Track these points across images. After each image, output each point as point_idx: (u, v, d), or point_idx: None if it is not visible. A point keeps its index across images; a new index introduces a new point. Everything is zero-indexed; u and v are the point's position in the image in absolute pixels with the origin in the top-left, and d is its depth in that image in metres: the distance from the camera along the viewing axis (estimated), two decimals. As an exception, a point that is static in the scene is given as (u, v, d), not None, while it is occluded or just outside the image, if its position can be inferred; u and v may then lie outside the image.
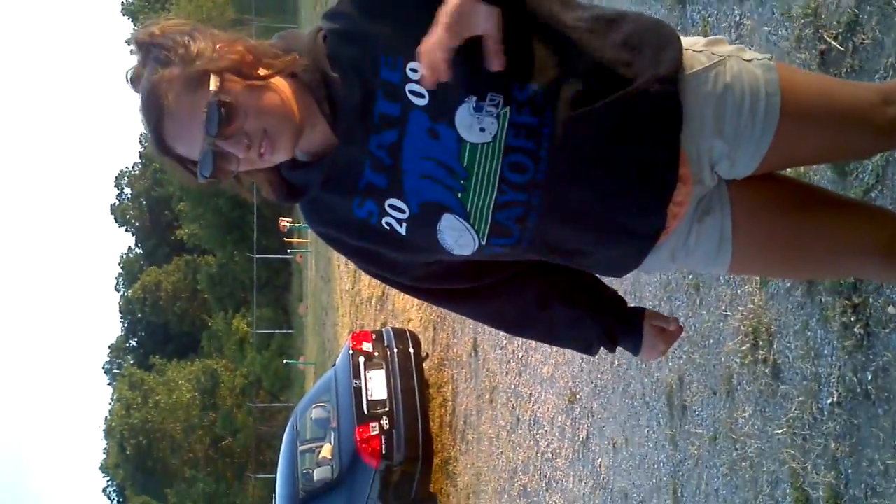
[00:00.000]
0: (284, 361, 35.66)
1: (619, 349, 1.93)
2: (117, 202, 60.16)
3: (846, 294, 2.76)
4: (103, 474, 54.14)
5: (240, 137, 1.54)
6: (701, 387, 3.70)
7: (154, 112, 1.55)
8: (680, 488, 3.83)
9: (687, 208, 1.71)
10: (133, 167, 59.71)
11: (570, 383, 5.34)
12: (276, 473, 10.15)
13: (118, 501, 53.84)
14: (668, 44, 1.66)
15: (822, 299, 2.88)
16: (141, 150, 57.82)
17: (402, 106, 1.58)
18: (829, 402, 2.82)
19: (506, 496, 6.43)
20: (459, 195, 1.61)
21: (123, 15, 60.77)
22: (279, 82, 1.59)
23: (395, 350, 8.91)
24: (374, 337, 9.19)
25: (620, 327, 1.89)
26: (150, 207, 56.95)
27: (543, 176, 1.59)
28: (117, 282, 60.86)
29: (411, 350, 8.99)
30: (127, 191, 59.71)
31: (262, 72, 1.59)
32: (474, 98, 1.55)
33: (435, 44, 1.47)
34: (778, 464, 3.08)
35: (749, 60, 1.69)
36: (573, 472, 5.21)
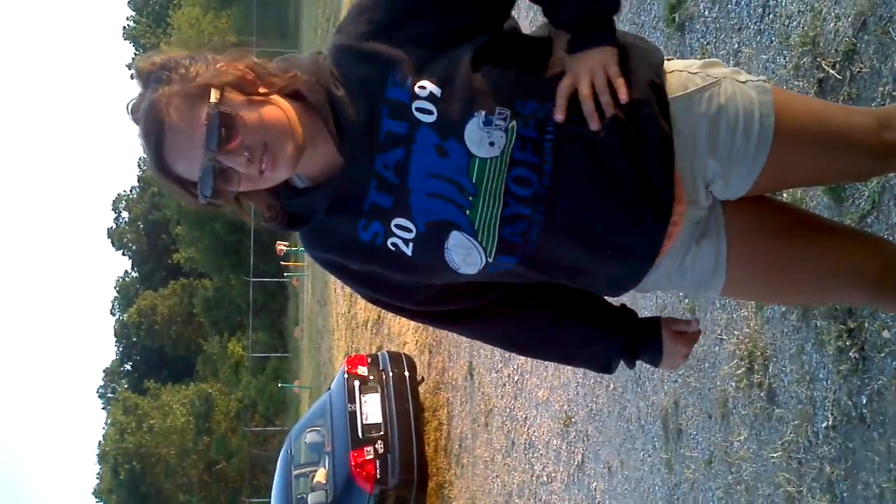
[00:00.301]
0: (279, 385, 35.47)
1: (619, 367, 1.90)
2: (114, 226, 60.12)
3: (841, 318, 2.77)
4: (97, 499, 53.64)
5: (240, 152, 1.52)
6: (696, 410, 3.70)
7: (154, 129, 1.53)
8: (675, 512, 3.83)
9: (682, 228, 1.72)
10: (131, 191, 59.72)
11: (565, 407, 5.34)
12: (270, 498, 10.09)
13: (111, 527, 53.30)
14: (654, 64, 1.69)
15: (818, 323, 2.90)
16: (139, 173, 57.92)
17: (408, 124, 1.58)
18: (824, 425, 2.83)
19: (501, 521, 6.41)
20: (468, 212, 1.62)
21: (125, 39, 61.05)
22: (280, 101, 1.59)
23: (391, 374, 8.89)
24: (369, 361, 9.18)
25: (638, 338, 1.86)
26: (147, 231, 56.90)
27: (546, 190, 1.60)
28: (113, 305, 60.64)
29: (407, 374, 8.97)
30: (124, 214, 59.69)
31: (262, 89, 1.59)
32: (483, 112, 1.56)
33: (588, 90, 1.59)
34: (773, 487, 3.08)
35: (744, 82, 1.71)
36: (568, 495, 5.20)
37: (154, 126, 1.53)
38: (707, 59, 1.78)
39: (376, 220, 1.66)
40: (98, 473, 51.45)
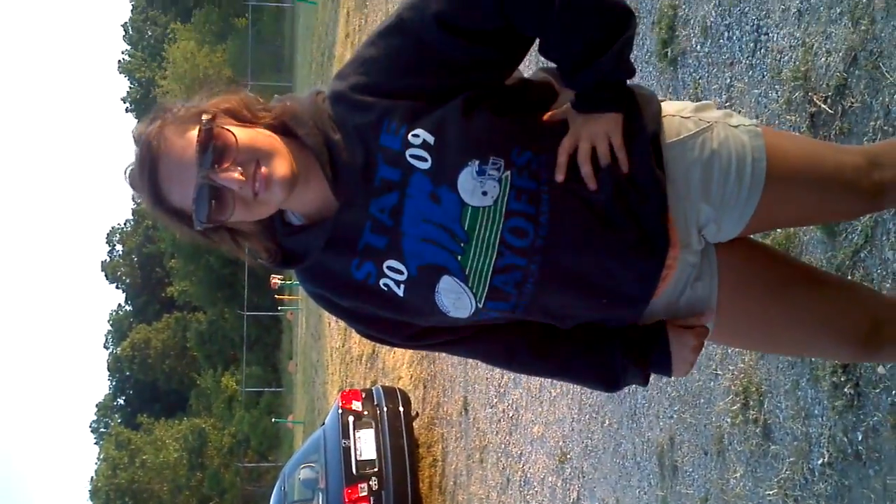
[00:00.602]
0: (273, 420, 35.32)
1: (617, 402, 1.89)
2: (108, 259, 60.12)
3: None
4: (89, 536, 53.15)
5: (234, 169, 1.52)
6: (692, 447, 3.67)
7: (148, 158, 1.54)
8: (672, 550, 3.78)
9: (675, 272, 1.72)
10: (125, 224, 59.82)
11: (560, 443, 5.30)
12: (263, 535, 10.02)
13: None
14: (655, 114, 1.70)
15: (812, 359, 2.88)
16: (133, 206, 57.93)
17: (402, 171, 1.59)
18: (819, 462, 2.80)
19: (496, 558, 6.35)
20: (459, 258, 1.62)
21: (120, 73, 61.43)
22: (272, 133, 1.60)
23: (385, 409, 8.85)
24: (363, 395, 9.14)
25: (643, 340, 1.77)
26: (141, 264, 56.88)
27: (542, 242, 1.61)
28: (106, 339, 60.50)
29: (401, 409, 8.93)
30: (118, 247, 59.72)
31: (254, 120, 1.61)
32: (477, 162, 1.57)
33: (587, 153, 1.60)
34: (770, 525, 3.05)
35: (736, 126, 1.72)
36: (564, 533, 5.15)
37: (148, 155, 1.54)
38: (699, 102, 1.78)
39: (369, 261, 1.67)
40: (90, 510, 50.91)
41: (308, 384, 24.26)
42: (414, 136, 1.58)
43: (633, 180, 1.63)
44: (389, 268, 1.66)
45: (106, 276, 59.14)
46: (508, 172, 1.58)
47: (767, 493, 3.06)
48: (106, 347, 59.90)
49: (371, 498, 8.17)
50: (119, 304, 62.46)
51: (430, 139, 1.57)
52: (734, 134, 1.71)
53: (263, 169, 1.54)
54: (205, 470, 41.64)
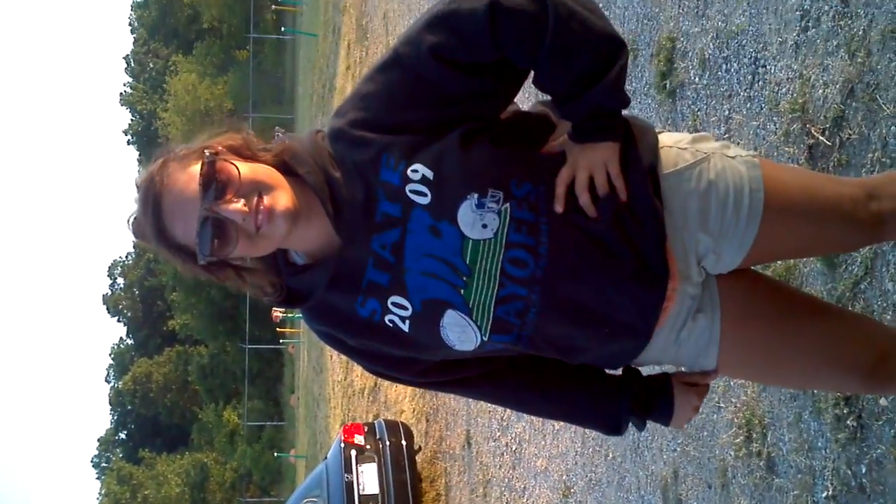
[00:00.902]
0: (275, 454, 35.15)
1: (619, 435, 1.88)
2: (110, 292, 60.13)
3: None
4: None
5: (237, 200, 1.54)
6: (696, 480, 3.65)
7: (151, 194, 1.56)
8: (677, 586, 3.75)
9: (676, 303, 1.72)
10: (126, 257, 59.92)
11: (564, 476, 5.27)
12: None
13: None
14: (652, 145, 1.71)
15: (815, 391, 2.87)
16: (134, 239, 57.97)
17: (402, 206, 1.60)
18: (824, 495, 2.78)
19: None
20: (462, 291, 1.63)
21: (122, 105, 61.79)
22: (273, 169, 1.62)
23: (388, 443, 8.80)
24: (366, 429, 9.09)
25: (647, 393, 1.82)
26: (142, 297, 56.90)
27: (542, 272, 1.62)
28: (108, 373, 60.38)
29: (404, 443, 8.88)
30: (120, 281, 59.77)
31: (255, 157, 1.63)
32: (476, 195, 1.58)
33: (585, 182, 1.61)
34: (775, 560, 3.03)
35: (733, 157, 1.73)
36: (568, 568, 5.10)
37: (151, 191, 1.56)
38: (697, 134, 1.79)
39: (373, 297, 1.68)
40: (92, 546, 50.61)
41: (310, 418, 24.16)
42: (413, 171, 1.58)
43: (631, 209, 1.64)
44: (394, 304, 1.67)
45: (107, 309, 59.15)
46: (508, 204, 1.59)
47: (772, 526, 3.04)
48: (107, 381, 59.81)
49: (374, 533, 8.11)
50: (120, 338, 62.63)
51: (429, 174, 1.58)
52: (731, 165, 1.71)
53: (266, 201, 1.55)
54: (207, 505, 41.39)
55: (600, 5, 5.07)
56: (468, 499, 7.30)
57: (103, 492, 50.05)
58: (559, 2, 1.53)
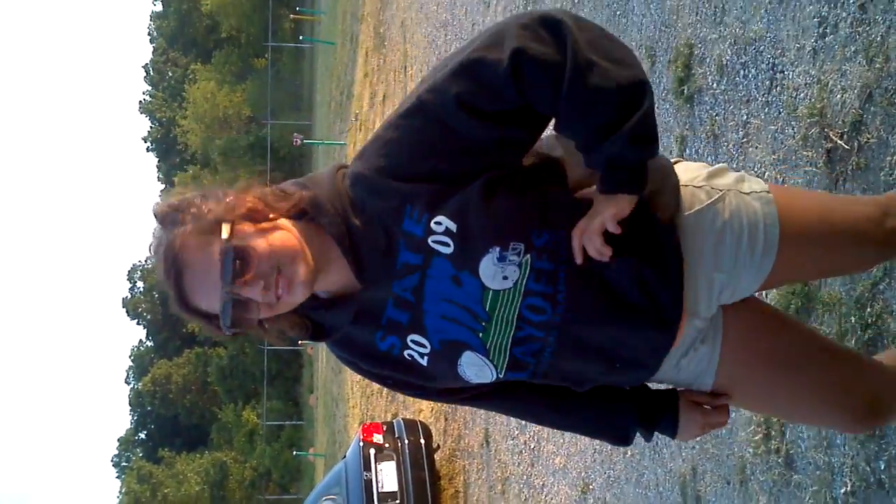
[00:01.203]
0: (294, 453, 35.25)
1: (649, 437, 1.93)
2: (129, 296, 60.42)
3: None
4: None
5: (256, 282, 1.59)
6: (714, 477, 3.70)
7: (172, 269, 1.60)
8: (696, 581, 3.80)
9: (681, 337, 1.76)
10: (146, 261, 60.10)
11: (582, 474, 5.32)
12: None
13: None
14: (665, 188, 1.72)
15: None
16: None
17: (424, 256, 1.63)
18: (842, 491, 2.83)
19: (520, 591, 6.34)
20: (480, 335, 1.68)
21: (141, 113, 62.17)
22: (289, 226, 1.64)
23: (406, 441, 8.86)
24: (384, 428, 9.15)
25: (654, 408, 1.87)
26: (161, 301, 56.90)
27: (559, 318, 1.67)
28: (128, 375, 60.70)
29: (422, 441, 8.93)
30: (139, 284, 60.02)
31: (272, 215, 1.64)
32: (498, 248, 1.61)
33: (595, 231, 1.59)
34: (793, 554, 3.08)
35: (748, 193, 1.75)
36: (588, 565, 5.16)
37: (172, 267, 1.60)
38: (712, 168, 1.80)
39: (393, 335, 1.73)
40: (112, 544, 50.84)
41: (329, 418, 24.24)
42: (437, 223, 1.60)
43: (653, 259, 1.67)
44: (413, 341, 1.72)
45: (127, 312, 59.46)
46: (528, 256, 1.62)
47: (790, 522, 3.09)
48: (127, 383, 60.14)
49: (393, 530, 8.17)
50: (140, 340, 62.87)
51: (453, 226, 1.60)
52: (746, 202, 1.74)
53: (286, 274, 1.60)
54: (227, 503, 41.52)
55: (618, 13, 5.10)
56: (487, 496, 7.36)
57: (123, 490, 50.27)
58: (580, 51, 1.51)
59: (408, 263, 1.64)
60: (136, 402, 56.96)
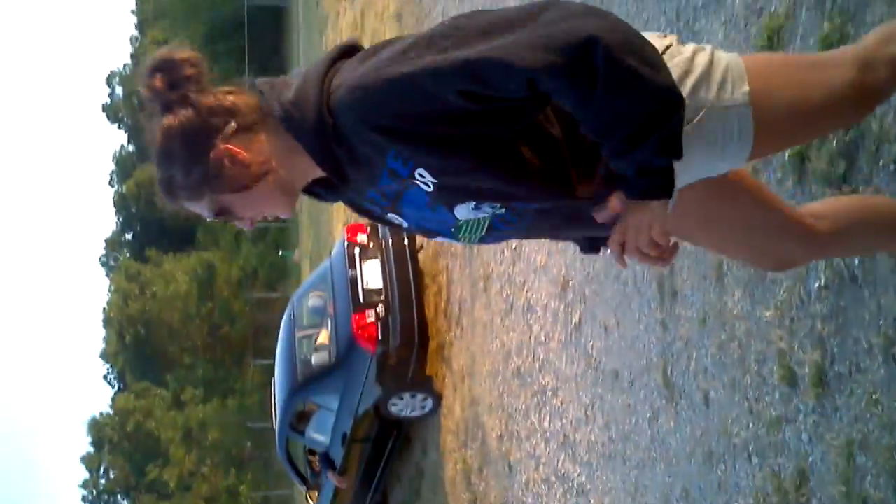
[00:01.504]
0: (280, 253, 35.82)
1: None
2: (109, 101, 59.43)
3: (835, 160, 2.80)
4: (103, 362, 54.90)
5: (242, 221, 1.83)
6: (691, 272, 3.77)
7: (165, 180, 1.87)
8: (669, 367, 3.94)
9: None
10: (124, 67, 58.82)
11: (563, 271, 5.43)
12: (274, 359, 10.33)
13: (119, 387, 54.60)
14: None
15: (813, 188, 2.93)
16: (131, 51, 56.94)
17: (405, 184, 1.70)
18: (816, 285, 2.89)
19: (500, 377, 6.60)
20: (452, 230, 1.83)
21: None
22: (269, 184, 1.74)
23: (390, 241, 8.99)
24: (368, 229, 9.25)
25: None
26: (141, 106, 56.10)
27: (526, 228, 1.85)
28: (111, 178, 60.51)
29: (406, 242, 9.06)
30: (118, 90, 58.93)
31: (251, 174, 1.71)
32: (473, 202, 1.72)
33: (646, 247, 1.69)
34: (765, 343, 3.18)
35: (728, 107, 1.73)
36: (566, 354, 5.34)
37: (165, 178, 1.87)
38: (682, 56, 1.75)
39: (375, 206, 1.85)
40: (104, 338, 52.42)
41: (313, 221, 24.50)
42: (420, 174, 1.66)
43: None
44: (392, 216, 1.86)
45: (108, 117, 58.65)
46: (504, 209, 1.75)
47: (764, 314, 3.17)
48: (111, 185, 60.06)
49: (378, 323, 8.39)
50: (122, 145, 62.23)
51: (434, 181, 1.67)
52: (725, 118, 1.72)
53: (269, 212, 1.81)
54: (214, 300, 42.56)
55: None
56: (469, 292, 7.54)
57: (112, 288, 51.25)
58: (609, 56, 1.47)
59: (388, 185, 1.72)
60: (121, 204, 57.09)
